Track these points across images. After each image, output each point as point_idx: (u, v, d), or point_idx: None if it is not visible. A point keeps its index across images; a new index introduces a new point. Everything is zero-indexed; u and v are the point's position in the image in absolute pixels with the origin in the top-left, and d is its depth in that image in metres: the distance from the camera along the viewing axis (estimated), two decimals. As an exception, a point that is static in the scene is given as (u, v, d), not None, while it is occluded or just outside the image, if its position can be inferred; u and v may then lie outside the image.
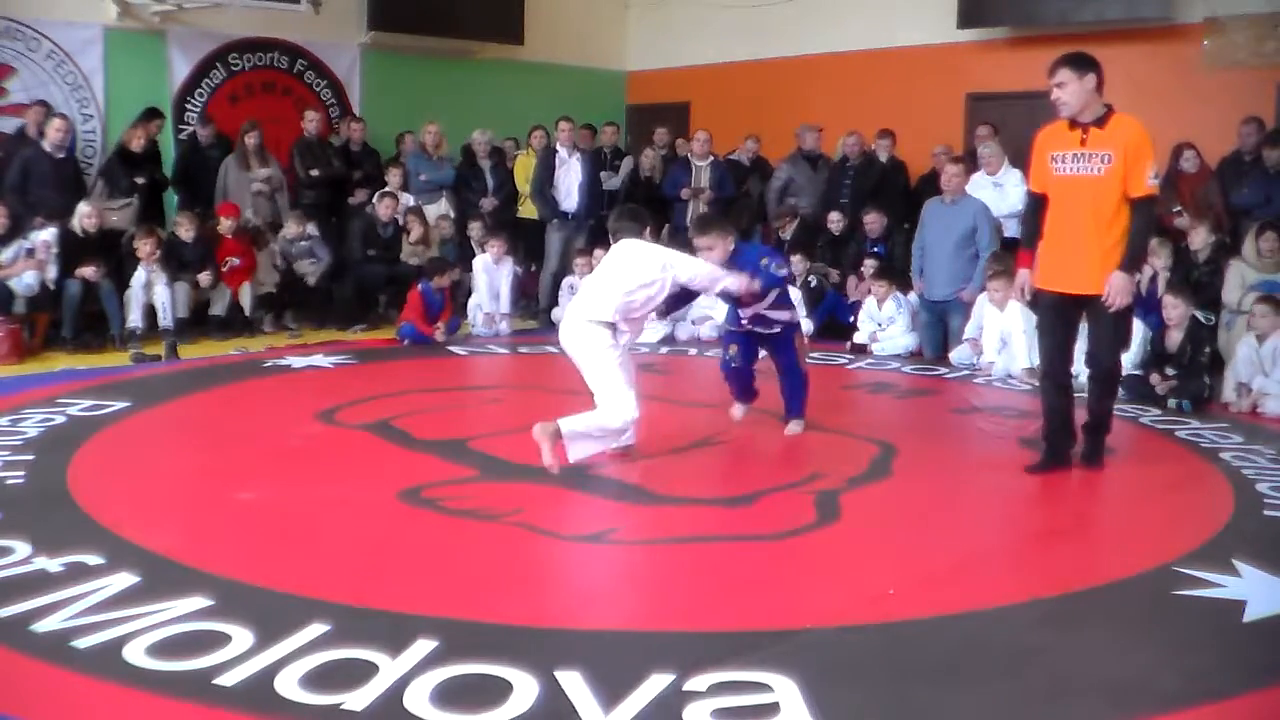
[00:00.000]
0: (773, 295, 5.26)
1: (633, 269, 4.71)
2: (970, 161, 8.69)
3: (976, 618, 3.27)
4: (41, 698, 2.69)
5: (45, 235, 7.76)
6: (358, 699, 2.65)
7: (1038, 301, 5.00)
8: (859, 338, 8.30)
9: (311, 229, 9.08)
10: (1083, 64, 4.65)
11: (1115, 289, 4.61)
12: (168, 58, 9.94)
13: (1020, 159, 8.96)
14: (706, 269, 4.89)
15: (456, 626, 3.09)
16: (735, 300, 5.24)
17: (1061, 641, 3.11)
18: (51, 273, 7.74)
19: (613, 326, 4.65)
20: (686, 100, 12.50)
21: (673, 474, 4.78)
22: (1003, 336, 7.36)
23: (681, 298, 5.15)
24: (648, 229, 4.98)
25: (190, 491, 4.46)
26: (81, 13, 9.38)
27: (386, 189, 9.47)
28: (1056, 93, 4.68)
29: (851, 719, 2.66)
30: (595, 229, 9.58)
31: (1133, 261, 4.68)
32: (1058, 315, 4.88)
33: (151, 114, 9.05)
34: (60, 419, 5.50)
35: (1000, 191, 8.48)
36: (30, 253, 7.70)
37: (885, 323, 8.26)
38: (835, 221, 9.36)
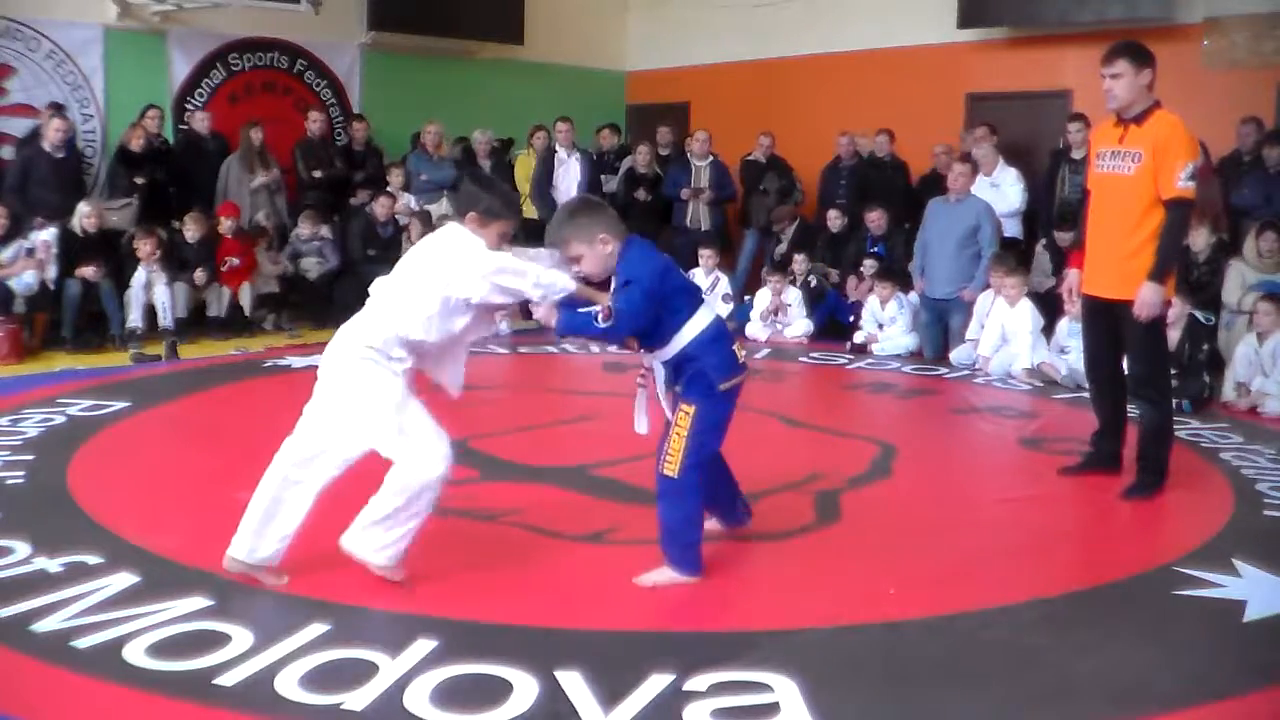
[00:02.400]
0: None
1: (415, 275, 3.33)
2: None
3: (976, 618, 3.27)
4: (41, 698, 2.69)
5: (45, 235, 7.77)
6: (358, 699, 2.65)
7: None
8: (860, 337, 8.29)
9: (325, 231, 9.11)
10: (1143, 57, 4.37)
11: (1142, 300, 4.34)
12: (168, 58, 9.93)
13: (1018, 157, 9.04)
14: (487, 287, 3.25)
15: (456, 626, 3.09)
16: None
17: (1061, 641, 3.11)
18: (51, 272, 7.74)
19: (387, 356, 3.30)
20: (686, 100, 12.50)
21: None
22: (1003, 334, 7.36)
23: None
24: (480, 210, 3.34)
25: (190, 491, 4.46)
26: (81, 13, 9.37)
27: (386, 189, 9.48)
28: (1109, 83, 4.40)
29: (851, 719, 2.66)
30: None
31: (1161, 269, 4.35)
32: (1092, 318, 4.73)
33: (146, 110, 9.08)
34: (60, 419, 5.50)
35: (998, 191, 8.50)
36: (30, 252, 7.71)
37: (888, 323, 8.26)
38: (834, 219, 9.38)
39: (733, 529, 3.91)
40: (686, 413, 3.41)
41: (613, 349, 3.43)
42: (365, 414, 3.31)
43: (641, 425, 3.64)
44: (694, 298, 3.52)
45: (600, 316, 3.31)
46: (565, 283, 3.34)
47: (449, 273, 3.24)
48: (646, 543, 3.91)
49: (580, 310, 3.37)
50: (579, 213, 3.49)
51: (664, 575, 3.47)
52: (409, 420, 3.29)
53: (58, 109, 8.67)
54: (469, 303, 3.27)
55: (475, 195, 3.37)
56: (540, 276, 3.30)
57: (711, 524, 3.89)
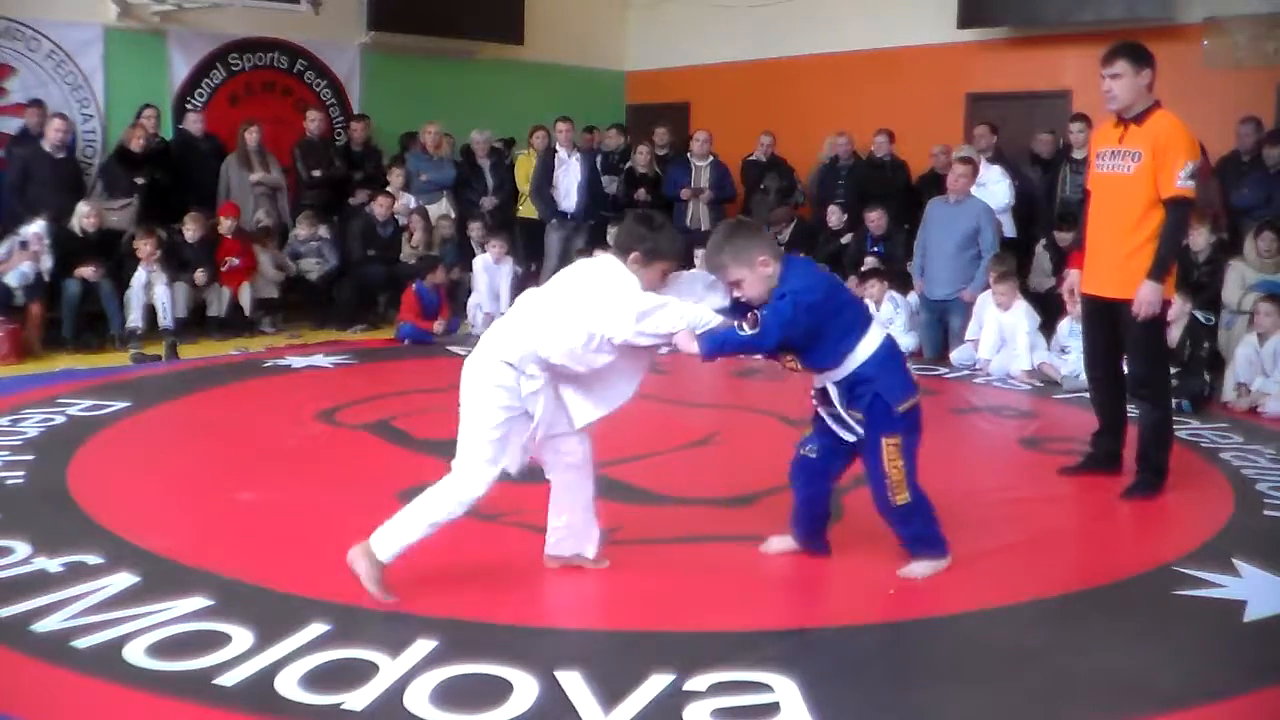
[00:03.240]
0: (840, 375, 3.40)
1: (566, 302, 3.32)
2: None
3: (976, 618, 3.27)
4: (41, 698, 2.69)
5: (35, 228, 7.73)
6: (358, 699, 2.65)
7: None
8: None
9: (323, 231, 9.13)
10: (1141, 57, 4.38)
11: (1140, 299, 4.35)
12: (168, 58, 9.94)
13: (1014, 157, 9.04)
14: (661, 328, 3.23)
15: (456, 626, 3.09)
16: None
17: (1061, 641, 3.11)
18: (46, 263, 7.72)
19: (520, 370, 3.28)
20: (686, 100, 12.50)
21: (673, 474, 4.78)
22: (1002, 336, 7.37)
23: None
24: (644, 251, 3.29)
25: (190, 491, 4.46)
26: (81, 13, 9.38)
27: (386, 189, 9.49)
28: (1109, 84, 4.40)
29: (851, 719, 2.66)
30: (594, 229, 9.62)
31: (1160, 268, 4.35)
32: (1091, 318, 4.73)
33: (142, 110, 9.07)
34: (60, 419, 5.50)
35: (984, 190, 8.50)
36: (24, 245, 7.69)
37: (884, 323, 8.24)
38: (834, 215, 9.39)
39: (811, 554, 3.74)
40: (894, 444, 3.46)
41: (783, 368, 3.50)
42: (472, 413, 3.29)
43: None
44: (864, 316, 3.46)
45: (746, 325, 3.26)
46: (711, 317, 3.28)
47: (599, 310, 3.20)
48: (647, 543, 3.92)
49: (722, 329, 3.29)
50: (735, 236, 3.39)
51: (924, 567, 3.58)
52: (494, 439, 3.27)
53: (38, 105, 8.67)
54: (612, 342, 3.22)
55: (640, 235, 3.29)
56: (687, 313, 3.24)
57: (786, 541, 3.76)
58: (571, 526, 3.59)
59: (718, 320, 3.29)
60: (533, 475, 4.55)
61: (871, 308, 8.26)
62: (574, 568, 3.63)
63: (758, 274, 3.31)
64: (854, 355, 3.37)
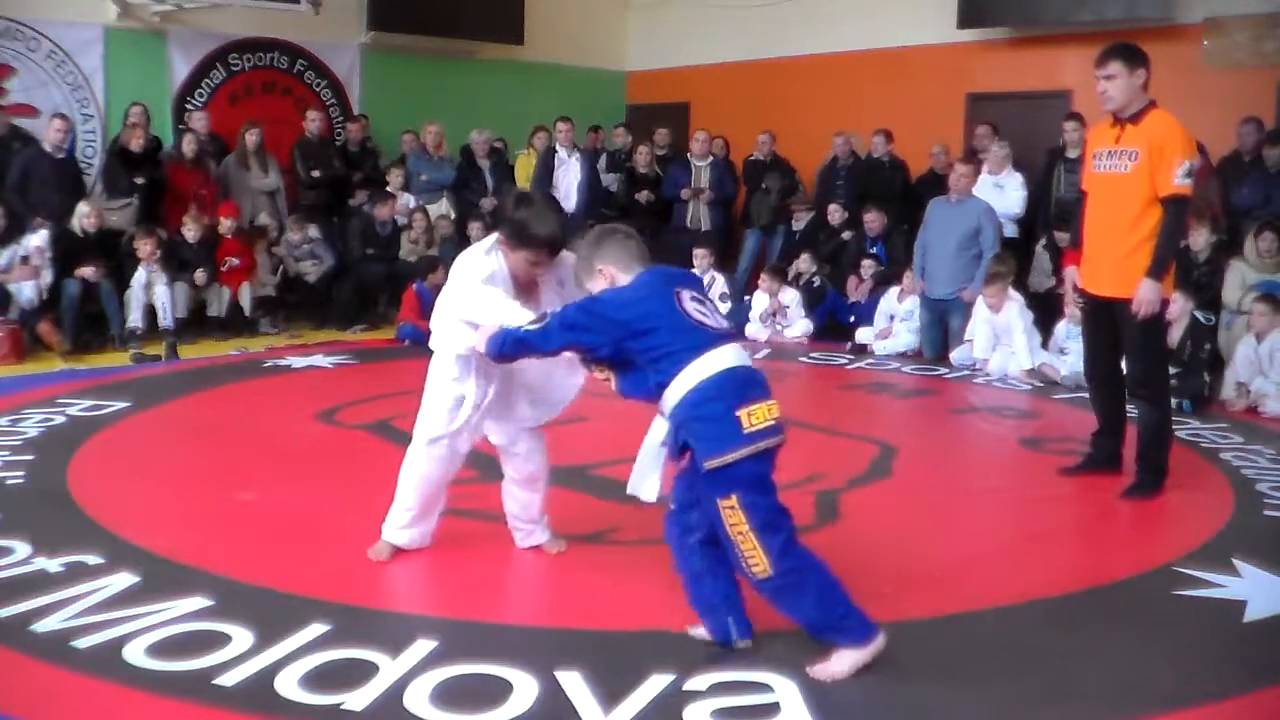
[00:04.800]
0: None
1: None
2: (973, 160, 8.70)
3: (976, 618, 3.27)
4: (41, 698, 2.69)
5: (37, 240, 7.71)
6: (358, 699, 2.65)
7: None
8: (869, 334, 8.29)
9: (314, 232, 9.12)
10: (1135, 57, 4.41)
11: (1140, 298, 4.36)
12: (168, 58, 9.94)
13: (1017, 157, 9.03)
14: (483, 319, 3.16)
15: (456, 626, 3.09)
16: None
17: (1061, 641, 3.11)
18: (47, 278, 7.70)
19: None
20: (686, 100, 12.50)
21: (672, 473, 4.76)
22: (996, 334, 7.37)
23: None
24: (504, 234, 3.27)
25: (190, 491, 4.46)
26: (81, 13, 9.38)
27: (387, 189, 9.49)
28: (1104, 84, 4.43)
29: (851, 719, 2.66)
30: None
31: (1159, 266, 4.36)
32: (1091, 317, 4.75)
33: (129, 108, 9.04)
34: (60, 419, 5.50)
35: (1000, 193, 8.49)
36: (25, 260, 7.67)
37: (904, 316, 8.25)
38: (835, 213, 9.39)
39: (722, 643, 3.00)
40: (731, 508, 2.76)
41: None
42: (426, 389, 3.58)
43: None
44: (695, 345, 2.79)
45: (535, 323, 2.95)
46: (523, 320, 3.02)
47: (457, 293, 3.33)
48: (646, 543, 3.90)
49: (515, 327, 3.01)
50: (587, 243, 3.04)
51: (844, 662, 2.82)
52: (434, 414, 3.55)
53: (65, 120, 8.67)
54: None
55: (505, 217, 3.31)
56: (505, 312, 3.08)
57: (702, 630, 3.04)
58: (514, 516, 3.76)
59: (524, 322, 3.02)
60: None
61: (892, 297, 8.27)
62: (572, 568, 3.62)
63: (597, 284, 2.97)
64: (669, 391, 2.80)
